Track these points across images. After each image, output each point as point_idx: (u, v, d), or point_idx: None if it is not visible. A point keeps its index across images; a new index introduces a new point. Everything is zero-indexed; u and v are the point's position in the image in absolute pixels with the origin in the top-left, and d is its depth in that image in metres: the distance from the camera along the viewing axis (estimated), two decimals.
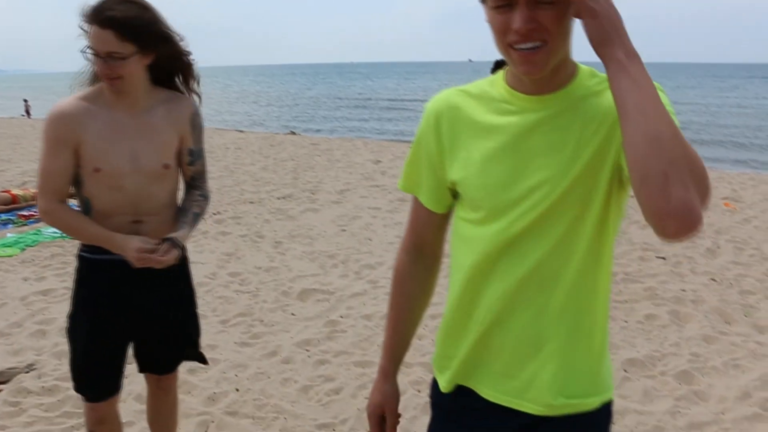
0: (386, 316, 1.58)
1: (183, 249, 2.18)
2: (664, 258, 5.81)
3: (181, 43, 2.17)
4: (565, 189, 1.24)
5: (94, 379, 2.28)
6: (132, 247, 2.07)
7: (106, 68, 1.98)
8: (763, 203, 8.30)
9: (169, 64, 2.18)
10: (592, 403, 1.34)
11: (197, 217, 2.32)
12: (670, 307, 4.64)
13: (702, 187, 1.05)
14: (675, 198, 1.01)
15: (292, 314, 4.59)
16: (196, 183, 2.39)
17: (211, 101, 34.70)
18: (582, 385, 1.34)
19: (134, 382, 3.30)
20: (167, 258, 2.09)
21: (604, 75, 1.22)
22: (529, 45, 1.18)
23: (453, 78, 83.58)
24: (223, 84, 77.59)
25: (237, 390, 3.50)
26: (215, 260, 5.75)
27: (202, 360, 2.57)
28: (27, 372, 3.66)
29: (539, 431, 1.35)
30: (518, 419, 1.36)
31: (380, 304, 4.75)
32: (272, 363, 3.83)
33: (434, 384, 1.54)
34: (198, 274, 5.25)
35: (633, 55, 1.10)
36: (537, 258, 1.28)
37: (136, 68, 2.04)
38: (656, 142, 1.04)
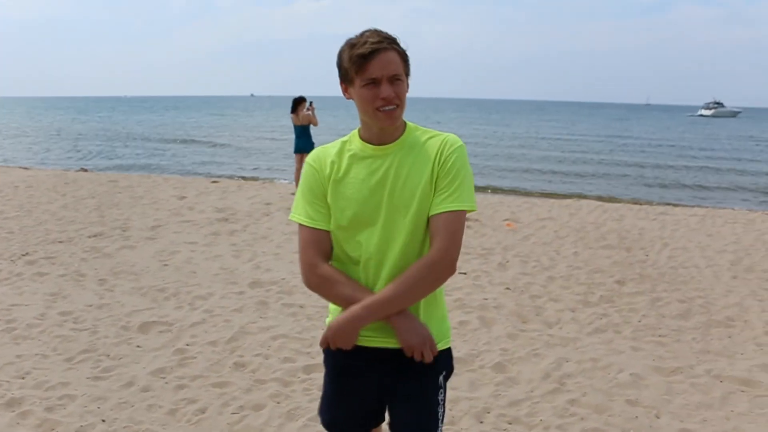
0: (348, 296, 1.94)
1: None
2: (465, 273, 6.69)
3: None
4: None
5: None
6: None
7: None
8: (536, 223, 9.74)
9: None
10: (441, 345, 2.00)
11: None
12: (477, 313, 5.44)
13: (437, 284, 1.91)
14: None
15: (138, 346, 4.66)
16: None
17: None
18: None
19: None
20: None
21: (425, 129, 1.97)
22: (390, 107, 1.83)
23: (235, 112, 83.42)
24: None
25: (104, 421, 3.57)
26: (40, 301, 5.56)
27: None
28: None
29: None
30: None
31: (221, 331, 4.98)
32: (132, 392, 3.93)
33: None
34: (25, 316, 5.16)
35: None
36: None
37: None
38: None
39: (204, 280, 6.40)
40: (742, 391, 4.17)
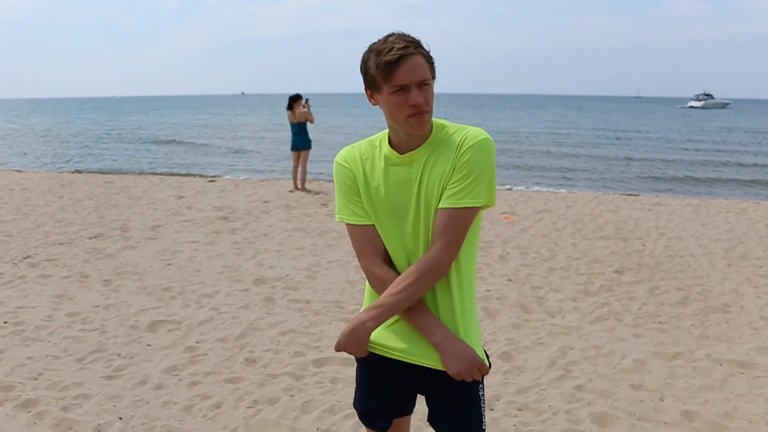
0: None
1: None
2: None
3: None
4: None
5: None
6: None
7: None
8: (534, 215, 9.84)
9: None
10: None
11: None
12: (481, 304, 5.53)
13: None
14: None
15: (148, 345, 4.72)
16: None
17: None
18: None
19: None
20: None
21: (452, 124, 1.95)
22: (420, 113, 1.81)
23: (224, 111, 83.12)
24: None
25: (120, 418, 3.64)
26: (46, 303, 5.61)
27: None
28: None
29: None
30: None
31: (230, 328, 5.05)
32: (146, 390, 3.99)
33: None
34: (32, 318, 5.20)
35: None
36: None
37: None
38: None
39: (208, 278, 6.46)
40: (741, 373, 4.28)
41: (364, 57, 1.87)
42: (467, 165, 1.83)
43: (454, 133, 1.90)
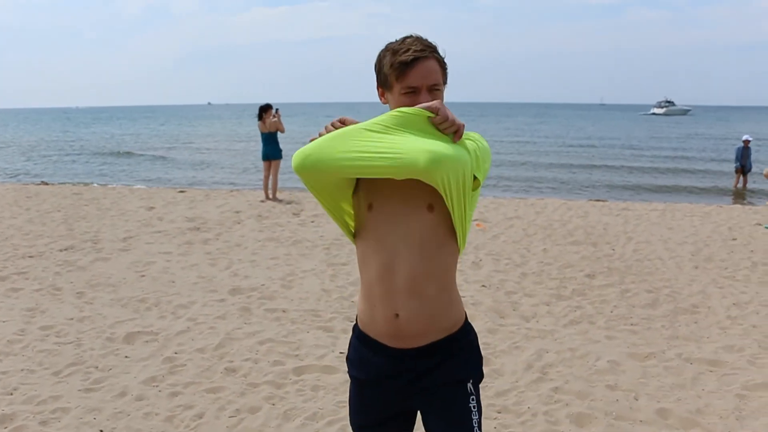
0: None
1: None
2: None
3: None
4: None
5: None
6: None
7: None
8: (505, 222, 9.98)
9: None
10: None
11: None
12: None
13: None
14: None
15: (126, 357, 4.69)
16: None
17: None
18: None
19: None
20: None
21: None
22: None
23: (190, 121, 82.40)
24: None
25: (101, 431, 3.61)
26: (18, 317, 5.52)
27: None
28: None
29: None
30: None
31: (208, 338, 5.04)
32: (126, 401, 3.96)
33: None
34: (4, 332, 5.14)
35: None
36: None
37: None
38: None
39: (183, 289, 6.42)
40: (711, 371, 4.42)
41: (379, 55, 1.89)
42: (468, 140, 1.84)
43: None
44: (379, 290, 1.91)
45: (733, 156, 16.88)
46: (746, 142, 16.45)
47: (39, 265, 7.36)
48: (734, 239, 8.90)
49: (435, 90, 1.84)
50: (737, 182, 17.21)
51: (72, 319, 5.50)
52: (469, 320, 2.05)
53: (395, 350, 1.93)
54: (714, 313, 5.69)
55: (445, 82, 1.89)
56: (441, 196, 1.81)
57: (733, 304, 5.94)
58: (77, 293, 6.24)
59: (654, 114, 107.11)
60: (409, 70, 1.80)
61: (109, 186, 16.67)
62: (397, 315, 1.89)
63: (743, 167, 16.74)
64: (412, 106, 1.78)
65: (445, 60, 1.89)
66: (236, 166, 23.96)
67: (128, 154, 30.94)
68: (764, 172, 15.25)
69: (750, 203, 14.57)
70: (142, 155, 30.17)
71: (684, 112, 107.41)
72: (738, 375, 4.35)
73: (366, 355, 2.00)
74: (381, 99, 1.93)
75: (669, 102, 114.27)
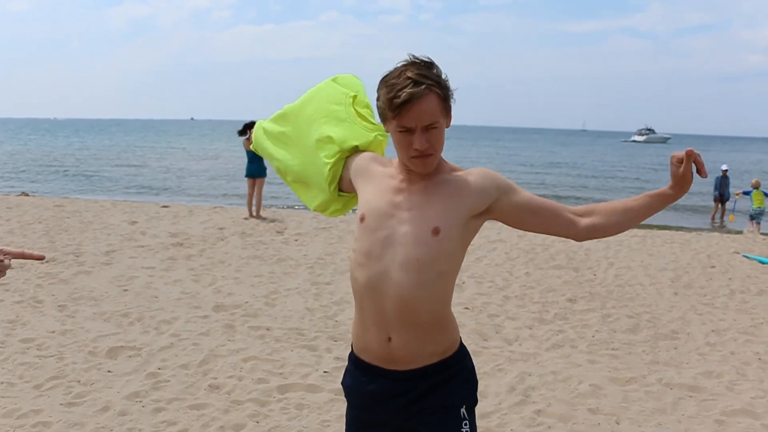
0: None
1: None
2: None
3: None
4: None
5: None
6: None
7: None
8: (487, 245, 10.06)
9: None
10: None
11: None
12: None
13: None
14: None
15: (109, 371, 4.65)
16: None
17: None
18: None
19: None
20: None
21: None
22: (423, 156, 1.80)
23: (174, 137, 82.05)
24: None
25: None
26: None
27: None
28: None
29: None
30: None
31: (191, 354, 5.02)
32: (109, 417, 3.94)
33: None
34: None
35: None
36: None
37: None
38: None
39: (166, 304, 6.39)
40: (690, 396, 4.49)
41: (378, 86, 1.82)
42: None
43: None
44: (370, 311, 1.91)
45: (712, 185, 17.19)
46: (724, 171, 16.77)
47: (20, 276, 7.28)
48: (713, 267, 9.05)
49: (432, 128, 1.77)
50: (715, 211, 17.50)
51: (54, 332, 5.45)
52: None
53: (390, 373, 1.93)
54: (693, 339, 5.77)
55: (448, 113, 1.83)
56: (449, 219, 1.83)
57: (712, 330, 6.03)
58: (59, 306, 6.19)
59: (635, 141, 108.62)
60: (401, 110, 1.73)
61: (91, 199, 16.55)
62: (389, 339, 1.89)
63: (722, 196, 17.04)
64: (408, 145, 1.78)
65: (448, 83, 1.80)
66: (219, 182, 23.91)
67: (105, 166, 30.71)
68: (736, 193, 15.60)
69: (728, 230, 14.81)
70: (120, 168, 29.97)
71: (664, 140, 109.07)
72: (717, 401, 4.42)
73: (362, 380, 2.00)
74: (384, 125, 1.90)
75: (649, 130, 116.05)
